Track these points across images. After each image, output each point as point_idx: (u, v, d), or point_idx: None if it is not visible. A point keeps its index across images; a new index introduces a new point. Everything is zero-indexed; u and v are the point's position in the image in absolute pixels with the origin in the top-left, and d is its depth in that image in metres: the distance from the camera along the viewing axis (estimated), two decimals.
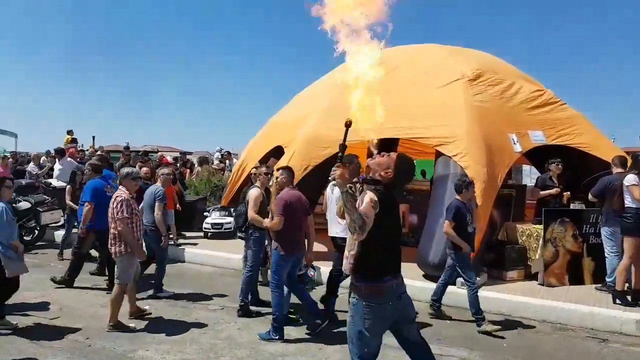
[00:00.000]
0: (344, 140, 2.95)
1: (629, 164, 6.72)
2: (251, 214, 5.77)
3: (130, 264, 5.55)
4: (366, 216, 2.78)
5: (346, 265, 3.10)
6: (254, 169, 6.75)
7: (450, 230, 5.69)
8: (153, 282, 6.78)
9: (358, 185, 4.06)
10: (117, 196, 5.46)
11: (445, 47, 9.83)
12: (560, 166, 7.79)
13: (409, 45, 10.23)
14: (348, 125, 2.98)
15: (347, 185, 2.80)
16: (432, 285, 6.39)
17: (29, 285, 6.92)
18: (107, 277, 7.03)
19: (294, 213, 5.30)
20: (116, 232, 5.39)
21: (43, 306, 6.16)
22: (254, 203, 5.80)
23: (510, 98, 8.31)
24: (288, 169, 5.85)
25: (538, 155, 8.60)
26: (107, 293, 6.33)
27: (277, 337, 5.15)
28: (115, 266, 5.62)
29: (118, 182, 5.89)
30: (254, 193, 5.90)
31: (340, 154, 2.93)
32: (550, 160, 7.87)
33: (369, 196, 2.93)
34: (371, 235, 2.84)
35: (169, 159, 13.24)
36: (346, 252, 3.13)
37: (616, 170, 6.83)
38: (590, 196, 6.84)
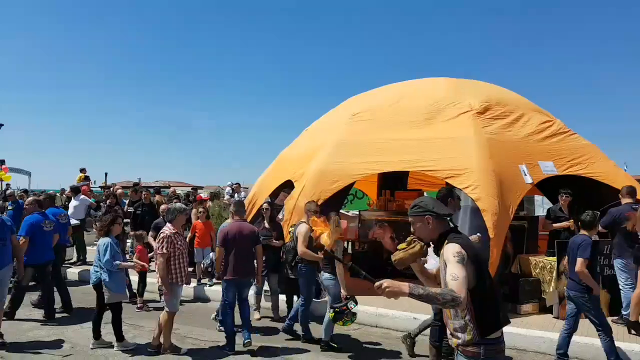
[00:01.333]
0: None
1: (638, 193, 6.68)
2: (302, 248, 6.10)
3: (174, 294, 5.88)
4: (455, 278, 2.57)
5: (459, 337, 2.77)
6: (307, 204, 6.81)
7: (585, 270, 5.18)
8: None
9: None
10: (161, 232, 5.88)
11: (452, 80, 9.96)
12: (568, 197, 7.77)
13: (416, 79, 10.40)
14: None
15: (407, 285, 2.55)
16: None
17: (40, 324, 6.99)
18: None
19: (235, 243, 6.01)
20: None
21: (56, 344, 6.17)
22: (304, 238, 6.06)
23: (519, 129, 8.36)
24: (238, 203, 6.64)
25: (550, 186, 8.57)
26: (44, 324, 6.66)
27: (227, 349, 5.99)
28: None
29: (167, 218, 6.14)
30: (302, 229, 6.15)
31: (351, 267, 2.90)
32: (560, 191, 7.87)
33: (450, 250, 2.68)
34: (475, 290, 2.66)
35: (203, 195, 13.38)
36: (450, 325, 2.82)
37: (625, 200, 6.77)
38: (599, 227, 6.76)
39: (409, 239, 2.91)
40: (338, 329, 5.78)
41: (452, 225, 2.90)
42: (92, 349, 6.01)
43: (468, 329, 2.71)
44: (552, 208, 8.11)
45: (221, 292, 6.28)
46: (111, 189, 13.14)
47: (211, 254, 8.54)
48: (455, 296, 2.48)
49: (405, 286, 2.50)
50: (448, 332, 2.86)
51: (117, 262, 5.94)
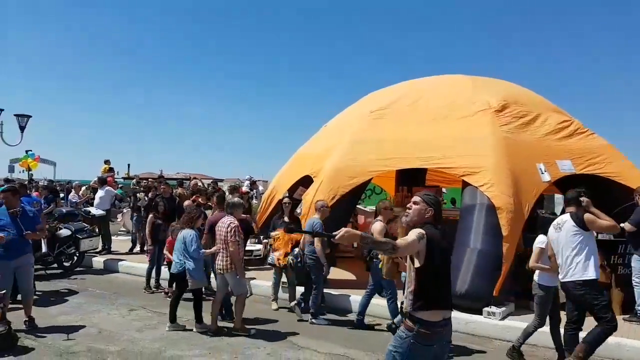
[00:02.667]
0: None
1: None
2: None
3: (242, 278, 6.49)
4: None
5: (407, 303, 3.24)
6: (381, 203, 6.87)
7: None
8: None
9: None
10: (230, 222, 6.37)
11: (471, 78, 10.01)
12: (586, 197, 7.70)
13: (434, 76, 10.47)
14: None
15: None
16: (460, 315, 6.46)
17: (68, 310, 7.32)
18: None
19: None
20: (227, 252, 6.31)
21: (84, 329, 6.45)
22: (379, 235, 6.14)
23: (536, 129, 8.42)
24: (218, 197, 7.78)
25: (568, 184, 8.59)
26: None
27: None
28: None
29: (227, 211, 6.60)
30: (377, 227, 6.31)
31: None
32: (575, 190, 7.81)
33: (415, 230, 3.15)
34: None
35: (244, 189, 13.49)
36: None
37: None
38: (628, 226, 6.76)
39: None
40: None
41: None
42: (168, 331, 6.47)
43: (409, 297, 3.16)
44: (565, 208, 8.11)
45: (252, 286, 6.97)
46: (148, 180, 13.42)
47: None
48: (395, 245, 2.96)
49: (358, 234, 2.96)
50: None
51: (202, 250, 6.59)
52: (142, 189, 12.26)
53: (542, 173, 7.85)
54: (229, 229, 6.31)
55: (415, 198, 3.35)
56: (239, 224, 6.48)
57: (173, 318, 6.62)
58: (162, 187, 10.55)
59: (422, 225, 3.18)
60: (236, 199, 6.99)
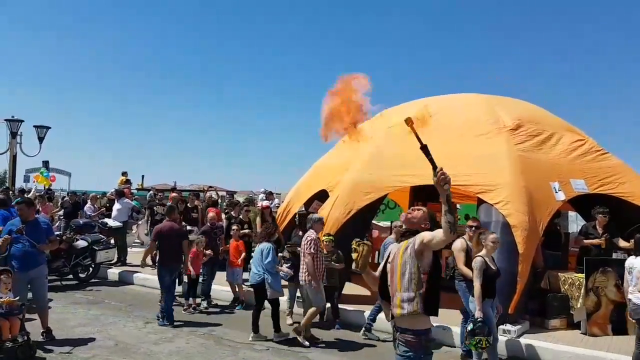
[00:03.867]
0: (420, 142, 3.31)
1: None
2: (459, 265, 6.29)
3: (318, 289, 6.81)
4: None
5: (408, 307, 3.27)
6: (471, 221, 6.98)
7: None
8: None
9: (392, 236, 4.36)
10: (308, 235, 6.92)
11: (484, 96, 10.07)
12: (607, 217, 7.65)
13: (449, 94, 10.55)
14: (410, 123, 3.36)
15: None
16: None
17: (84, 321, 7.41)
18: None
19: (166, 238, 7.61)
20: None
21: (100, 341, 6.51)
22: (459, 255, 6.30)
23: (551, 148, 8.46)
24: (170, 207, 8.33)
25: (582, 202, 8.62)
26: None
27: (167, 323, 7.30)
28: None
29: (308, 225, 7.15)
30: (457, 245, 6.34)
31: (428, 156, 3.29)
32: (598, 209, 7.75)
33: (426, 232, 3.34)
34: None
35: (265, 203, 13.57)
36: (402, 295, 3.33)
37: None
38: None
39: (354, 246, 3.57)
40: None
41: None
42: (250, 341, 6.72)
43: (416, 300, 3.21)
44: (586, 224, 8.10)
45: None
46: (174, 192, 13.54)
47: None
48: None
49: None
50: (392, 304, 3.35)
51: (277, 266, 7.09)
52: (158, 202, 12.28)
53: (557, 192, 7.87)
54: (306, 241, 6.83)
55: (423, 208, 3.65)
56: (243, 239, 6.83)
57: (256, 329, 6.87)
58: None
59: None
60: (316, 216, 7.37)
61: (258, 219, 9.82)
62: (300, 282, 7.00)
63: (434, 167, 3.13)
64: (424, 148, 3.26)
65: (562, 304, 7.32)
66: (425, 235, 3.27)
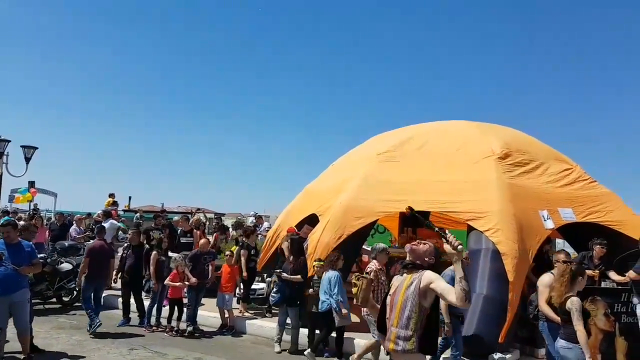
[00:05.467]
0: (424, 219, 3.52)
1: None
2: (541, 303, 5.73)
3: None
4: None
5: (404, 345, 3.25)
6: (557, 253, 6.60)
7: None
8: None
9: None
10: (369, 267, 6.82)
11: (474, 124, 10.24)
12: (604, 249, 7.57)
13: (439, 121, 10.69)
14: (410, 211, 3.55)
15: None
16: None
17: (67, 347, 7.22)
18: None
19: (96, 255, 8.36)
20: None
21: None
22: (544, 289, 5.69)
23: (539, 177, 8.59)
24: (101, 228, 9.24)
25: (570, 230, 8.70)
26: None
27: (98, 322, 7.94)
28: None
29: (372, 256, 7.05)
30: (545, 280, 5.79)
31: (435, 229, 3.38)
32: (596, 241, 7.65)
33: (435, 275, 3.31)
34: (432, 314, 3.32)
35: (228, 223, 13.53)
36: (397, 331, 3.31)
37: None
38: (633, 274, 6.80)
39: (354, 280, 3.65)
40: None
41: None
42: None
43: (412, 340, 3.21)
44: (583, 254, 7.97)
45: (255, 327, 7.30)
46: (162, 217, 13.31)
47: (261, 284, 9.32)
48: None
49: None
50: (386, 337, 3.37)
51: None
52: (155, 226, 11.90)
53: (545, 220, 7.95)
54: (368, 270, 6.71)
55: (429, 242, 3.59)
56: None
57: (315, 348, 7.06)
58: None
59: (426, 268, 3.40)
60: (381, 245, 7.17)
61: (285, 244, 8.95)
62: (363, 315, 6.92)
63: (444, 237, 3.20)
64: (430, 226, 3.57)
65: None
66: (436, 285, 3.21)
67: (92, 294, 8.36)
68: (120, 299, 10.22)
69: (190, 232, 11.61)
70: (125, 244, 9.92)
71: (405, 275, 3.42)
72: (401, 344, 3.23)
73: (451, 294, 3.08)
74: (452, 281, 5.93)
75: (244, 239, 9.71)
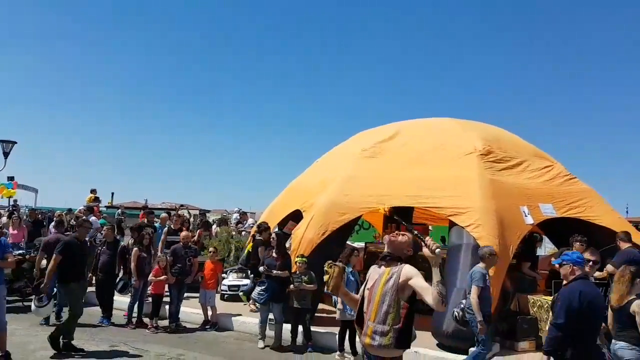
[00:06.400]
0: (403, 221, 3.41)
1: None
2: None
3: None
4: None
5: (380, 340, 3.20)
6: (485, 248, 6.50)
7: None
8: None
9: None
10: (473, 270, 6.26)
11: (456, 121, 10.32)
12: (584, 246, 7.50)
13: (422, 118, 10.75)
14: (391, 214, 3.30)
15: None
16: (446, 355, 6.49)
17: (46, 345, 6.98)
18: None
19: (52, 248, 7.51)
20: None
21: None
22: None
23: (520, 173, 8.69)
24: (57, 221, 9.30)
25: (550, 226, 8.82)
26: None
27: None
28: None
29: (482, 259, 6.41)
30: None
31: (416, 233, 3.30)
32: (576, 237, 7.62)
33: (415, 270, 3.24)
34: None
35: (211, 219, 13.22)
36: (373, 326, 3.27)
37: (624, 244, 7.00)
38: (611, 268, 6.90)
39: (325, 268, 3.51)
40: None
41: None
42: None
43: (389, 335, 3.17)
44: (562, 250, 8.02)
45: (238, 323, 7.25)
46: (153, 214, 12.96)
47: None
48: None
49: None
50: (363, 332, 3.31)
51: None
52: (148, 223, 11.34)
53: (526, 216, 8.04)
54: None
55: (407, 234, 3.47)
56: None
57: (342, 348, 7.00)
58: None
59: (405, 262, 3.33)
60: (488, 248, 6.48)
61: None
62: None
63: (422, 240, 3.14)
64: (409, 229, 3.43)
65: (532, 326, 7.39)
66: (415, 282, 3.15)
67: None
68: None
69: (180, 229, 11.41)
70: (99, 241, 9.78)
71: (383, 268, 3.37)
72: (377, 339, 3.19)
73: (428, 294, 3.04)
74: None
75: (258, 236, 9.45)
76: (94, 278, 9.56)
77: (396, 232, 3.54)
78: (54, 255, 6.96)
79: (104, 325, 8.47)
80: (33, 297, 7.83)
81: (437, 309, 3.08)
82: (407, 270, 3.24)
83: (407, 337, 3.25)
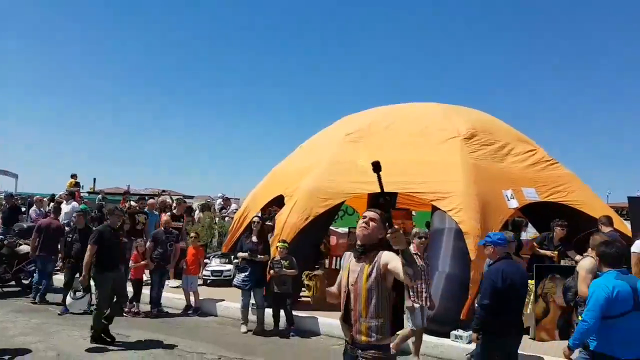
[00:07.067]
0: (381, 185, 2.98)
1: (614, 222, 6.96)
2: (582, 287, 5.28)
3: (414, 313, 6.15)
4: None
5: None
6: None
7: None
8: None
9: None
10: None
11: (441, 105, 10.29)
12: (564, 230, 7.69)
13: (405, 103, 10.69)
14: (377, 167, 2.94)
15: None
16: (428, 338, 6.52)
17: (25, 331, 7.02)
18: None
19: (44, 232, 8.94)
20: None
21: (41, 352, 6.17)
22: (586, 275, 5.27)
23: (504, 157, 8.71)
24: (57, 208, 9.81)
25: (533, 210, 8.87)
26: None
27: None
28: None
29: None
30: (586, 264, 5.38)
31: (382, 199, 3.12)
32: (557, 222, 7.76)
33: (391, 254, 3.06)
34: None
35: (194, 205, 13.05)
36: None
37: (605, 228, 7.06)
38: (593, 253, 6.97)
39: (305, 282, 3.33)
40: None
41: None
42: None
43: (385, 327, 3.08)
44: (544, 234, 8.15)
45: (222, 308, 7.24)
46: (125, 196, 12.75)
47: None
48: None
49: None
50: (355, 329, 3.15)
51: None
52: (139, 209, 10.84)
53: (509, 200, 8.06)
54: None
55: (372, 214, 3.23)
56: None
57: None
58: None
59: (378, 248, 3.14)
60: (416, 230, 6.54)
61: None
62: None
63: (391, 225, 2.87)
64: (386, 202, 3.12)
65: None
66: (393, 267, 3.00)
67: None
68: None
69: (182, 216, 11.26)
70: (68, 228, 9.60)
71: (362, 263, 3.18)
72: (375, 335, 3.09)
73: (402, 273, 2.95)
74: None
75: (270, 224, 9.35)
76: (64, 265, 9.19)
77: (362, 222, 3.26)
78: (89, 245, 6.79)
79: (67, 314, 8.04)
80: (69, 290, 7.61)
81: (410, 286, 3.05)
82: (385, 257, 3.10)
83: (400, 322, 3.21)
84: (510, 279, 4.53)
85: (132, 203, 12.24)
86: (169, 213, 11.09)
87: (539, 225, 9.80)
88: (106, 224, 7.15)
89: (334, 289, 3.44)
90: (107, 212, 7.62)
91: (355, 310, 3.15)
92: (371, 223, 3.19)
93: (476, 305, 4.78)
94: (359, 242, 3.23)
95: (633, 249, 6.27)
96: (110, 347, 6.52)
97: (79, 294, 7.38)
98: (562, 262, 7.76)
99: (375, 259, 3.13)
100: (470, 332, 6.81)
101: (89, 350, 6.34)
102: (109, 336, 6.73)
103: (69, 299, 7.49)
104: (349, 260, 3.32)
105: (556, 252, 7.73)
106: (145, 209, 10.74)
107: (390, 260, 3.06)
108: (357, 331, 3.13)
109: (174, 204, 11.91)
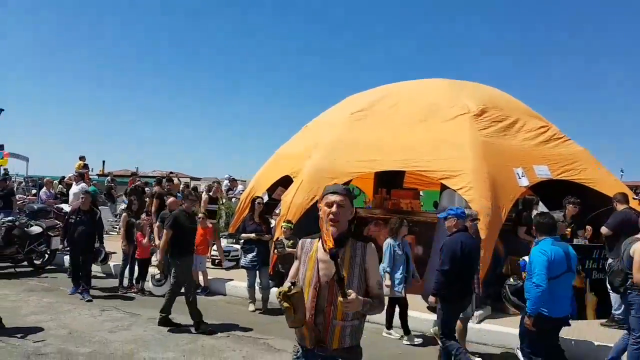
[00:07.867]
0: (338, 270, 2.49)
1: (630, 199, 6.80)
2: (637, 273, 5.06)
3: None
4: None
5: None
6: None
7: None
8: None
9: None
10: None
11: (449, 82, 10.07)
12: (577, 208, 7.52)
13: (414, 80, 10.50)
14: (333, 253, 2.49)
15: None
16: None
17: (38, 309, 7.11)
18: None
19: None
20: None
21: (53, 330, 6.25)
22: None
23: (515, 134, 8.51)
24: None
25: (544, 188, 8.72)
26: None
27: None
28: None
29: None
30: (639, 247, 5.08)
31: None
32: (569, 199, 7.60)
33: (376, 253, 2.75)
34: None
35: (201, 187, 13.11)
36: None
37: (621, 206, 6.92)
38: (605, 230, 6.86)
39: (282, 302, 2.56)
40: None
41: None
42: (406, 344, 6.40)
43: (361, 327, 2.70)
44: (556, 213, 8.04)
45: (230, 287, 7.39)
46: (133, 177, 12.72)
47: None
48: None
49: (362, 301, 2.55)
50: (328, 332, 2.63)
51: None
52: (167, 191, 10.52)
53: (520, 177, 7.92)
54: None
55: (337, 198, 2.66)
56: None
57: (389, 325, 6.65)
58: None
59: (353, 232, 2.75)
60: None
61: None
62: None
63: (344, 293, 2.46)
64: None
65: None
66: (369, 264, 2.66)
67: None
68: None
69: (218, 199, 11.22)
70: (69, 209, 9.57)
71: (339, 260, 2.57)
72: (348, 341, 2.66)
73: (373, 282, 2.68)
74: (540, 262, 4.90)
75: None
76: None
77: (328, 212, 2.64)
78: (165, 230, 6.81)
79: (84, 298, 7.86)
80: (151, 275, 7.71)
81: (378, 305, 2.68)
82: (368, 260, 2.67)
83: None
84: (467, 249, 5.16)
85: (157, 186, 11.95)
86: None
87: (551, 204, 9.65)
88: (181, 208, 7.08)
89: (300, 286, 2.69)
90: (183, 196, 7.63)
91: (330, 309, 2.60)
92: (339, 208, 2.65)
93: (436, 270, 5.30)
94: (330, 245, 2.55)
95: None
96: (121, 324, 6.56)
97: (158, 277, 7.57)
98: (575, 241, 7.64)
99: (359, 245, 2.70)
100: (480, 312, 6.80)
101: (99, 328, 6.39)
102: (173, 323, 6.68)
103: (150, 285, 7.69)
104: (309, 249, 2.76)
105: (569, 230, 7.61)
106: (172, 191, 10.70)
107: (372, 258, 2.69)
108: (331, 333, 2.61)
109: (216, 185, 11.90)
